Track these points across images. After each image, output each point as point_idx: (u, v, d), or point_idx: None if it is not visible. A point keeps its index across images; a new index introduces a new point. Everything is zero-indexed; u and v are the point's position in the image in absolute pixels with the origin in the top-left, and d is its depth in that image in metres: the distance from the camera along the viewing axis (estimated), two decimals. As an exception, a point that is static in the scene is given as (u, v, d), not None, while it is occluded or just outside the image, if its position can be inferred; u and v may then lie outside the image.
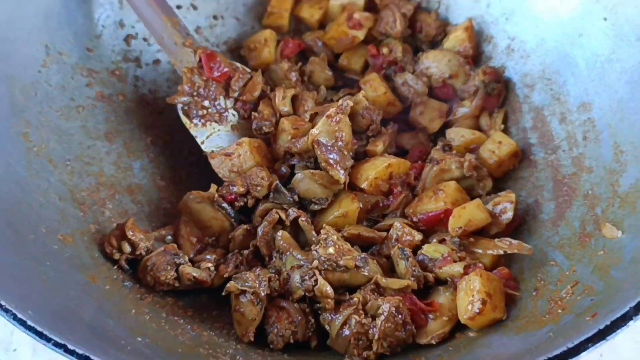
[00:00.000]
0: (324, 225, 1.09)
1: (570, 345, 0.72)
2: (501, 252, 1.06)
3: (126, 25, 1.34)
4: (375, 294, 1.00)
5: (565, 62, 1.26)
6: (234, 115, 1.26)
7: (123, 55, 1.34)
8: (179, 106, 1.23)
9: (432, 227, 1.13)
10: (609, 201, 1.05)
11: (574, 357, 0.71)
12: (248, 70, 1.30)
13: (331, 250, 1.01)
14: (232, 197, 1.17)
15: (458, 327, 1.00)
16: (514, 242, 1.07)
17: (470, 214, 1.10)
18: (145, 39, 1.37)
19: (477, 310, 0.95)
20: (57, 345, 0.71)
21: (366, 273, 1.02)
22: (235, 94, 1.25)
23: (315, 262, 1.01)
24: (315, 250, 1.03)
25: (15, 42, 1.13)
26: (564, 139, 1.22)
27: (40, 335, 0.71)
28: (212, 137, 1.24)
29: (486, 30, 1.40)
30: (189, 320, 1.02)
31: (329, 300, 0.99)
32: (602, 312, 0.77)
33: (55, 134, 1.16)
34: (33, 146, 1.11)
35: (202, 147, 1.24)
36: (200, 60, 1.23)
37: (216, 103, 1.22)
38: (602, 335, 0.72)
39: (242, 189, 1.16)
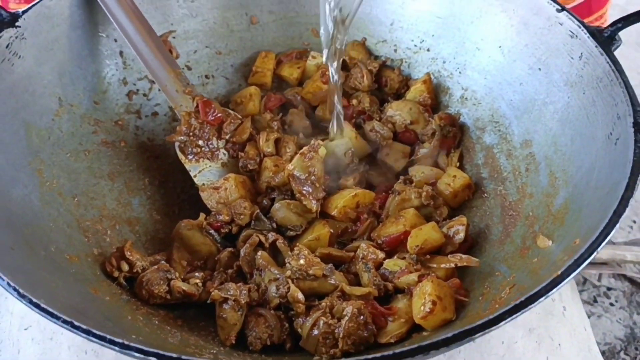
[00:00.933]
0: (297, 244, 1.25)
1: (491, 316, 0.86)
2: (452, 265, 1.21)
3: (129, 83, 1.54)
4: (341, 299, 1.14)
5: (510, 106, 1.44)
6: (224, 154, 1.44)
7: (125, 108, 1.53)
8: (177, 144, 1.41)
9: (394, 247, 1.29)
10: (544, 219, 1.21)
11: (494, 326, 0.85)
12: (239, 116, 1.50)
13: (302, 261, 1.16)
14: (219, 224, 1.33)
15: (415, 329, 1.14)
16: (464, 256, 1.23)
17: (426, 234, 1.26)
18: (145, 95, 1.56)
19: (428, 310, 1.09)
20: (65, 322, 0.85)
21: (333, 281, 1.17)
22: (227, 136, 1.43)
23: (288, 272, 1.16)
24: (289, 263, 1.18)
25: (33, 94, 1.32)
26: (510, 171, 1.39)
27: (51, 314, 0.85)
28: (204, 172, 1.42)
29: (443, 83, 1.60)
30: (179, 329, 1.16)
31: (300, 305, 1.13)
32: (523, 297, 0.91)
33: (65, 172, 1.32)
34: (46, 181, 1.26)
35: (195, 180, 1.41)
36: (197, 106, 1.42)
37: (209, 143, 1.41)
38: (517, 308, 0.87)
39: (227, 218, 1.32)
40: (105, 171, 1.42)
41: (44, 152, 1.31)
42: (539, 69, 1.38)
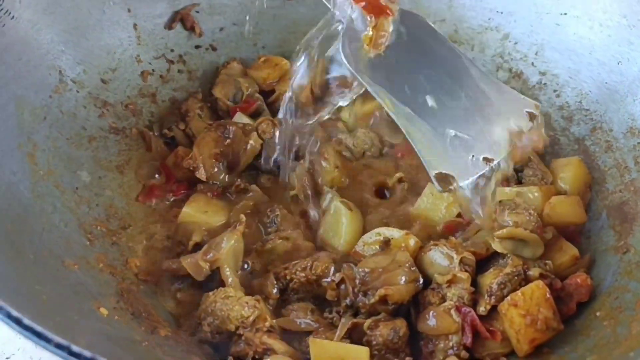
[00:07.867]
0: None
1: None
2: None
3: (143, 61, 1.29)
4: None
5: (604, 90, 1.20)
6: None
7: (138, 90, 1.28)
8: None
9: None
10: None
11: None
12: None
13: None
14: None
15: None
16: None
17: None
18: (161, 76, 1.31)
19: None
20: (59, 346, 0.57)
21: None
22: None
23: None
24: None
25: (28, 64, 1.08)
26: (613, 166, 1.14)
27: (39, 335, 0.58)
28: None
29: (514, 67, 1.36)
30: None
31: None
32: None
33: (63, 160, 1.08)
34: (39, 169, 1.02)
35: None
36: None
37: None
38: None
39: None
40: (113, 162, 1.18)
41: (38, 135, 1.06)
42: (644, 43, 1.14)
